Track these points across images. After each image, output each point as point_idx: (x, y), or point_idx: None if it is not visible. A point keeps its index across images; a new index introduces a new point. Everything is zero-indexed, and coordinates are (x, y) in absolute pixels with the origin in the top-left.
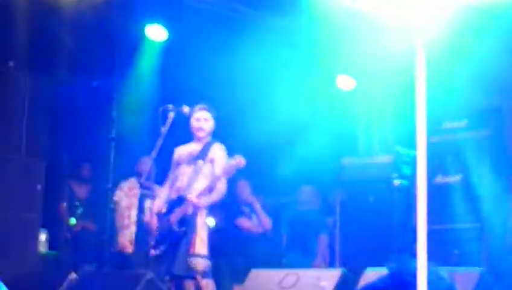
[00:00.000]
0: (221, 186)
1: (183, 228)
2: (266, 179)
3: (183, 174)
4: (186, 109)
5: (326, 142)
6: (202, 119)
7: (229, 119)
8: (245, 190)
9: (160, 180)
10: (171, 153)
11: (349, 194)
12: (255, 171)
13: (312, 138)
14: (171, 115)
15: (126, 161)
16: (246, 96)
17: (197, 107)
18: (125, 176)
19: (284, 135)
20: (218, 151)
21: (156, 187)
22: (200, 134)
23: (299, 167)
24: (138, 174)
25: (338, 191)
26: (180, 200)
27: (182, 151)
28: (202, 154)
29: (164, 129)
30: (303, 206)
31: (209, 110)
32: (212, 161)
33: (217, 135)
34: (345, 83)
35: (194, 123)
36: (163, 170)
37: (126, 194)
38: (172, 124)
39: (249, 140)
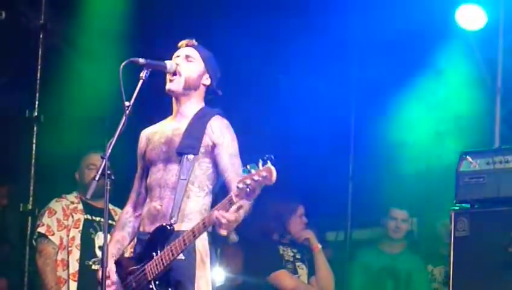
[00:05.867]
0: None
1: None
2: (322, 197)
3: (160, 184)
4: (171, 65)
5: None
6: (182, 57)
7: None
8: (298, 221)
9: (122, 197)
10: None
11: (473, 225)
12: (305, 185)
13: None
14: (143, 76)
15: (60, 162)
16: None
17: (182, 42)
18: (59, 191)
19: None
20: (221, 129)
21: (116, 211)
22: (170, 85)
23: (384, 174)
24: (81, 187)
25: (452, 220)
26: (161, 236)
27: (153, 136)
28: (190, 140)
29: (128, 104)
30: (391, 246)
31: (198, 49)
32: (213, 150)
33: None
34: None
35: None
36: (128, 178)
37: (60, 223)
38: (145, 93)
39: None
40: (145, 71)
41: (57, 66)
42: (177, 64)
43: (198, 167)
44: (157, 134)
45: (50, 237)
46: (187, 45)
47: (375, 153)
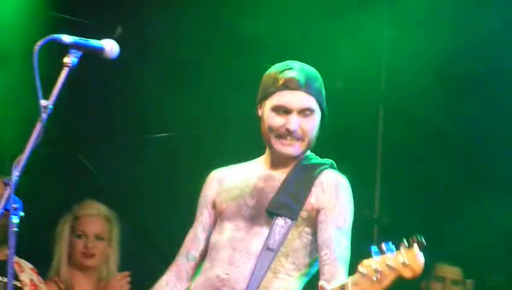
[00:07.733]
0: None
1: None
2: None
3: (235, 247)
4: (111, 48)
5: None
6: (295, 114)
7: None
8: None
9: (37, 244)
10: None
11: None
12: None
13: None
14: (69, 62)
15: None
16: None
17: (281, 81)
18: None
19: None
20: (336, 190)
21: (22, 265)
22: (289, 149)
23: (424, 213)
24: None
25: None
26: None
27: (230, 180)
28: (288, 199)
29: (46, 104)
30: None
31: (310, 86)
32: (317, 216)
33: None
34: None
35: (270, 120)
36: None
37: None
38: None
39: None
40: (72, 55)
41: None
42: (292, 130)
43: (298, 238)
44: (236, 179)
45: None
46: (292, 88)
47: (409, 180)
